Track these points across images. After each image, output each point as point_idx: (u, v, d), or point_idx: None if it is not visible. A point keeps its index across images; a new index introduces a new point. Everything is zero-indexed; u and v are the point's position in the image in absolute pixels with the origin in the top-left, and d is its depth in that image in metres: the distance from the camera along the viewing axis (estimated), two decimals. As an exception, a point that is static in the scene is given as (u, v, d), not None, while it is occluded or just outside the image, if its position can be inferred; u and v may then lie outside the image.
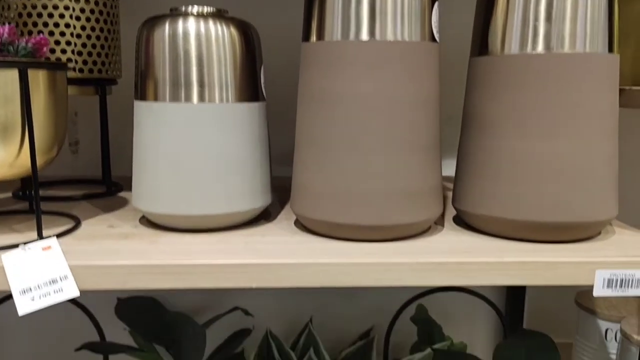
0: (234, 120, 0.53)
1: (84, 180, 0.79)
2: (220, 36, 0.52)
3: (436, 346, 0.74)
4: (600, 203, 0.52)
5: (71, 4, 0.63)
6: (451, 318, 0.91)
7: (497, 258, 0.49)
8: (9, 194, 0.71)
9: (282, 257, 0.48)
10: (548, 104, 0.50)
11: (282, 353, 0.78)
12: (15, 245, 0.48)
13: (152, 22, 0.53)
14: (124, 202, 0.68)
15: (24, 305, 0.44)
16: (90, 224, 0.58)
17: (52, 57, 0.63)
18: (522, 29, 0.50)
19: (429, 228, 0.58)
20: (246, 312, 0.83)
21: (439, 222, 0.61)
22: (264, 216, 0.62)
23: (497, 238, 0.55)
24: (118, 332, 0.80)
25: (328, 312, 0.90)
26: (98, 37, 0.65)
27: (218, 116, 0.52)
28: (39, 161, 0.52)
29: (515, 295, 0.88)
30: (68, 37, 0.63)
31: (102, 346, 0.75)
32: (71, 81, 0.65)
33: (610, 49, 0.51)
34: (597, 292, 0.49)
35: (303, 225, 0.57)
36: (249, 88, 0.54)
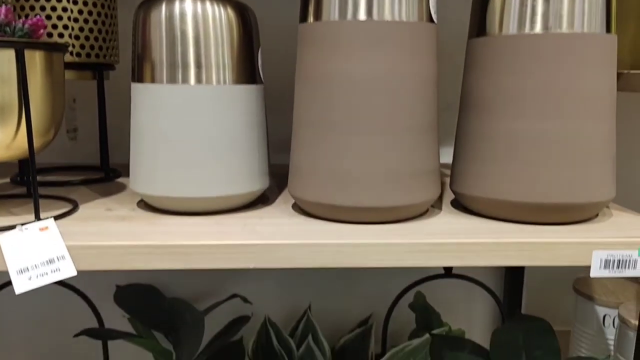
0: (231, 102, 0.53)
1: (82, 167, 0.79)
2: (217, 17, 0.51)
3: (434, 331, 0.74)
4: (597, 184, 0.52)
5: (68, -12, 0.63)
6: (449, 305, 0.91)
7: (495, 239, 0.49)
8: (7, 180, 0.71)
9: (280, 239, 0.48)
10: (546, 84, 0.50)
11: (280, 340, 0.78)
12: (13, 227, 0.48)
13: (149, 3, 0.52)
14: (122, 187, 0.68)
15: (21, 285, 0.44)
16: (88, 207, 0.58)
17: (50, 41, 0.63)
18: (520, 8, 0.50)
19: (427, 211, 0.58)
20: (245, 300, 0.83)
21: (437, 205, 0.61)
22: (262, 200, 0.62)
23: (494, 220, 0.55)
24: (117, 320, 0.81)
25: (326, 299, 0.90)
26: (95, 22, 0.65)
27: (215, 98, 0.52)
28: (36, 144, 0.52)
29: (513, 282, 0.88)
30: (65, 20, 0.63)
31: (101, 332, 0.75)
32: (68, 65, 0.65)
33: (608, 30, 0.51)
34: (594, 273, 0.50)
35: (301, 209, 0.57)
36: (247, 70, 0.54)
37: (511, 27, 0.50)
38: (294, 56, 0.55)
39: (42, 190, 0.63)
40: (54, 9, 0.63)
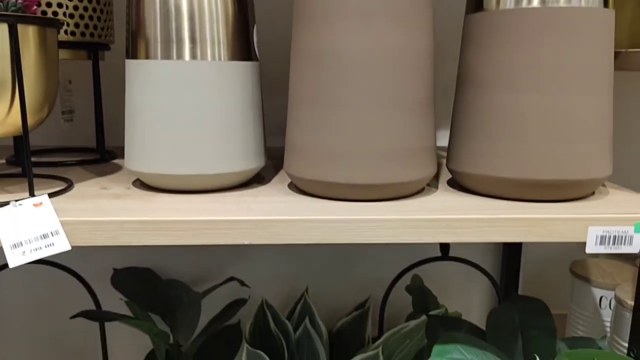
0: (226, 79, 0.53)
1: (78, 149, 0.78)
2: (212, -8, 0.51)
3: (431, 313, 0.74)
4: (594, 161, 0.52)
5: (62, -34, 0.63)
6: (446, 289, 0.91)
7: (490, 215, 0.49)
8: (3, 160, 0.71)
9: (274, 215, 0.48)
10: (542, 59, 0.49)
11: (277, 323, 0.78)
12: (7, 203, 0.48)
13: (143, -22, 0.52)
14: (117, 168, 0.68)
15: (14, 259, 0.44)
16: (83, 186, 0.58)
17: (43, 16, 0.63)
18: (516, -17, 0.49)
19: (423, 189, 0.58)
20: (242, 283, 0.83)
21: (433, 184, 0.60)
22: (257, 180, 0.62)
23: (491, 198, 0.54)
24: (114, 303, 0.81)
25: (324, 283, 0.90)
26: (90, 0, 0.64)
27: (210, 74, 0.52)
28: (30, 121, 0.51)
29: (510, 265, 0.88)
30: (60, -1, 0.63)
31: (97, 314, 0.75)
32: (63, 44, 0.64)
33: (606, 4, 0.50)
34: (589, 249, 0.49)
35: (297, 188, 0.57)
36: (242, 47, 0.54)
37: (508, 2, 0.50)
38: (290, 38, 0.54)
39: (37, 171, 0.63)
40: (48, -13, 0.62)
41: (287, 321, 0.78)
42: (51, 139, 0.83)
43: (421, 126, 0.52)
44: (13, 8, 0.50)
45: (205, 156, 0.53)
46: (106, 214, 0.48)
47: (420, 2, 0.50)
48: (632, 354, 0.57)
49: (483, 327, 0.66)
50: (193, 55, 0.51)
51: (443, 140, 0.82)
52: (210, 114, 0.52)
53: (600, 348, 0.64)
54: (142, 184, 0.58)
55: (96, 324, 0.83)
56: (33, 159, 0.65)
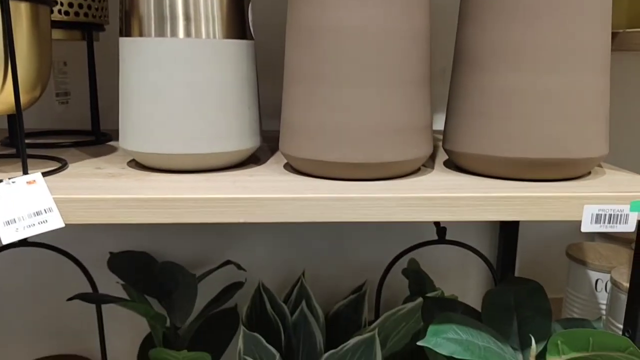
0: (220, 57, 0.52)
1: (73, 131, 0.78)
2: (206, -32, 0.51)
3: (428, 294, 0.74)
4: (590, 140, 0.52)
5: (55, -55, 0.62)
6: (443, 273, 0.91)
7: (486, 193, 0.49)
8: (-3, 143, 0.70)
9: (271, 193, 0.48)
10: (539, 37, 0.49)
11: (274, 306, 0.78)
12: (0, 180, 0.48)
13: (137, -45, 0.51)
14: (113, 150, 0.67)
15: (8, 235, 0.44)
16: (78, 166, 0.58)
17: None
18: (514, -41, 0.49)
19: (419, 169, 0.57)
20: (238, 267, 0.83)
21: (429, 165, 0.60)
22: (253, 160, 0.61)
23: (487, 178, 0.54)
24: (111, 287, 0.81)
25: (320, 267, 0.90)
26: (83, -21, 0.64)
27: (204, 52, 0.51)
28: (23, 99, 0.51)
29: (506, 249, 0.88)
30: (53, -22, 0.62)
31: (94, 297, 0.75)
32: (57, 24, 0.64)
33: (604, -18, 0.50)
34: (585, 228, 0.49)
35: (293, 168, 0.57)
36: (237, 24, 0.53)
37: (505, -21, 0.49)
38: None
39: (32, 152, 0.63)
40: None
41: (284, 304, 0.78)
42: (46, 122, 0.83)
43: (417, 105, 0.52)
44: (5, -16, 0.50)
45: (200, 135, 0.53)
46: (101, 192, 0.48)
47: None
48: (626, 334, 0.57)
49: (479, 310, 0.66)
50: (187, 33, 0.51)
51: (439, 124, 0.82)
52: (205, 92, 0.52)
53: (595, 329, 0.64)
54: (137, 164, 0.58)
55: (93, 309, 0.83)
56: (27, 141, 0.65)
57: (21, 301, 0.89)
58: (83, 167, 0.58)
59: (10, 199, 0.46)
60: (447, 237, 0.79)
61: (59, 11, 0.63)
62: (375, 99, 0.50)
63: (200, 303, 0.80)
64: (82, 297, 0.74)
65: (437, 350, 0.53)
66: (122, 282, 0.79)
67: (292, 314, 0.78)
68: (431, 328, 0.56)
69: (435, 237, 0.79)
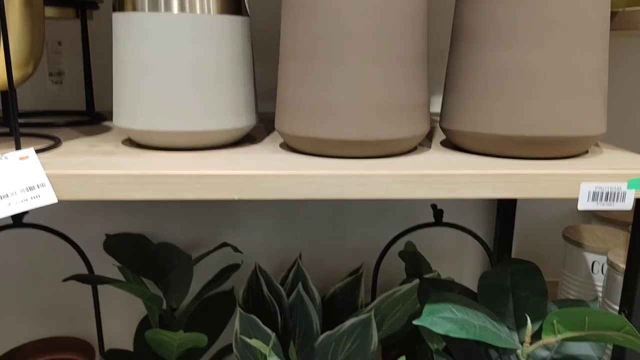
0: (215, 32, 0.52)
1: (67, 111, 0.77)
2: (200, -59, 0.50)
3: (425, 276, 0.74)
4: (588, 117, 0.51)
5: None
6: (440, 256, 0.91)
7: (482, 170, 0.49)
8: (-9, 122, 0.69)
9: (266, 170, 0.48)
10: (536, 13, 0.48)
11: (271, 288, 0.78)
12: (-7, 157, 0.47)
13: None
14: (107, 129, 0.67)
15: (1, 210, 0.43)
16: (71, 144, 0.57)
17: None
18: None
19: (415, 148, 0.57)
20: (235, 249, 0.83)
21: (426, 144, 0.60)
22: (248, 139, 0.61)
23: (484, 156, 0.54)
24: (107, 269, 0.81)
25: (317, 250, 0.90)
26: (77, -45, 0.63)
27: (199, 27, 0.51)
28: (16, 75, 0.50)
29: (503, 232, 0.88)
30: (45, -47, 0.61)
31: (90, 278, 0.75)
32: (51, 1, 0.63)
33: (603, -44, 0.49)
34: (581, 206, 0.49)
35: (288, 147, 0.57)
36: (231, 0, 0.52)
37: (503, -47, 0.49)
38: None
39: (26, 130, 0.62)
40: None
41: (280, 287, 0.78)
42: (40, 102, 0.82)
43: (414, 82, 0.51)
44: (-4, -43, 0.49)
45: (194, 112, 0.52)
46: (95, 168, 0.47)
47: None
48: (623, 314, 0.57)
49: (475, 292, 0.66)
50: (181, 8, 0.50)
51: (437, 106, 0.81)
52: (199, 68, 0.52)
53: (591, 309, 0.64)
54: (131, 143, 0.58)
55: (89, 291, 0.83)
56: (21, 121, 0.64)
57: (17, 283, 0.89)
58: (76, 145, 0.57)
59: (3, 174, 0.45)
60: (444, 220, 0.79)
61: (52, -12, 0.62)
62: (372, 76, 0.49)
63: (196, 285, 0.80)
64: (78, 278, 0.74)
65: (433, 329, 0.53)
66: (118, 264, 0.79)
67: (288, 296, 0.78)
68: (427, 307, 0.56)
69: (432, 220, 0.79)
